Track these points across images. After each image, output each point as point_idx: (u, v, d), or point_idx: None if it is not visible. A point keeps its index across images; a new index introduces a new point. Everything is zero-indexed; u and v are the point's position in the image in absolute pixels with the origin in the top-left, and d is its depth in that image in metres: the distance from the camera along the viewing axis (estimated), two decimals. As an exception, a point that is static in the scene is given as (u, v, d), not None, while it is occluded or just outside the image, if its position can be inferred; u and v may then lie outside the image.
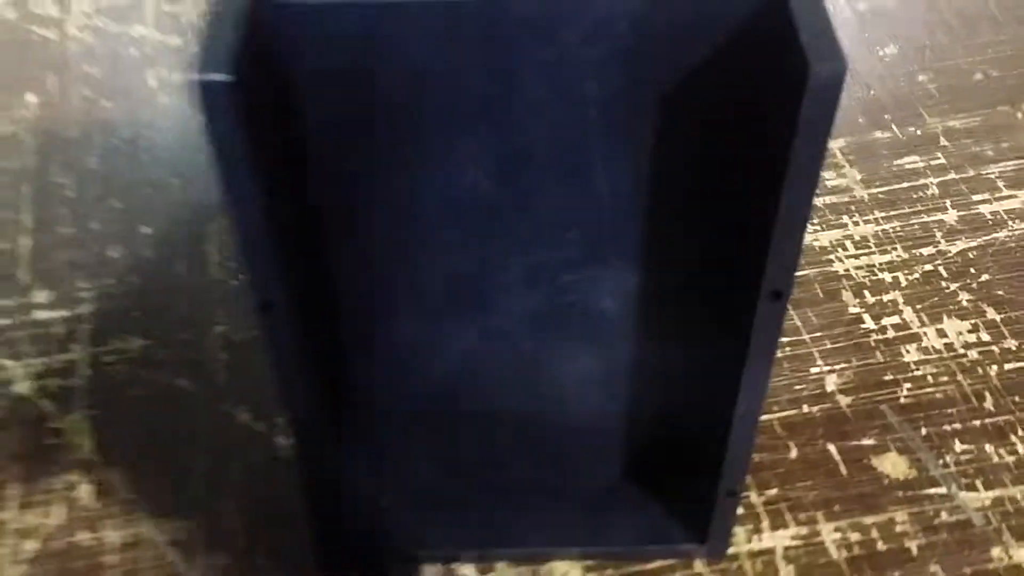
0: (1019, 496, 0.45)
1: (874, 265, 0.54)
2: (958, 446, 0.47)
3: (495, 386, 0.41)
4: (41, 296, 0.53)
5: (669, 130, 0.33)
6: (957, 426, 0.48)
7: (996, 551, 0.44)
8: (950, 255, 0.54)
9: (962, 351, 0.51)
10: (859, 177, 0.58)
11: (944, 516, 0.45)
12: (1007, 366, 0.50)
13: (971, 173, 0.58)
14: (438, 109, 0.32)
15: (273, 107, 0.31)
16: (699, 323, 0.38)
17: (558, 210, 0.35)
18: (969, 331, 0.51)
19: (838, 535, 0.44)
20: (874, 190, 0.57)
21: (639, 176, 0.34)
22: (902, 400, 0.49)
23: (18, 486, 0.46)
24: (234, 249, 0.32)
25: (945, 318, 0.52)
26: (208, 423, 0.48)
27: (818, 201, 0.32)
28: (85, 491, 0.46)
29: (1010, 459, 0.47)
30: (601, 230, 0.36)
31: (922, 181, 0.58)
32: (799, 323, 0.51)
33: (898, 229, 0.56)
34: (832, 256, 0.54)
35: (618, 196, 0.35)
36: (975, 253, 0.55)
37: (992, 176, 0.58)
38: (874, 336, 0.51)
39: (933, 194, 0.57)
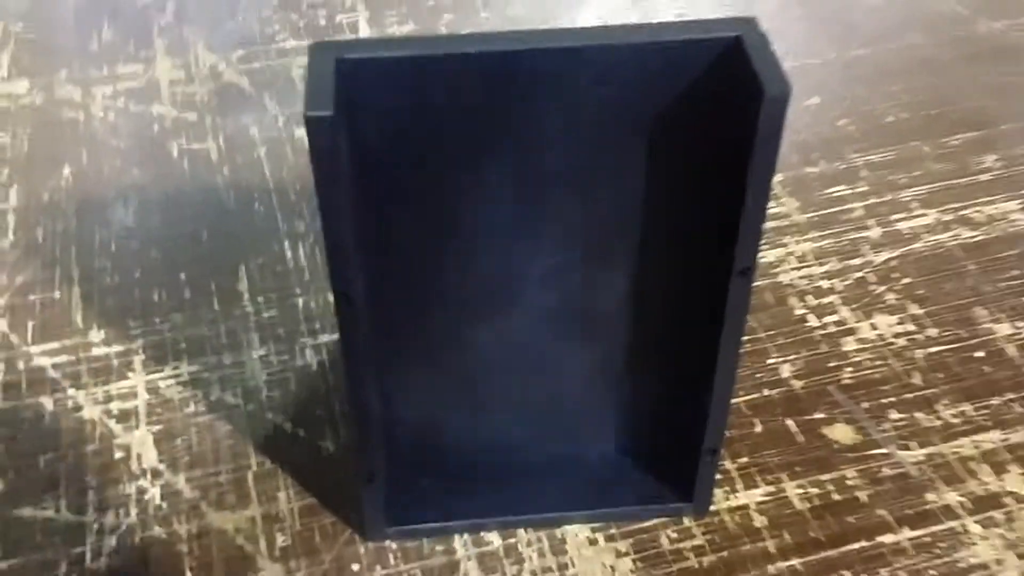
0: (946, 451, 0.54)
1: (814, 275, 0.64)
2: (894, 415, 0.56)
3: (512, 374, 0.49)
4: (96, 336, 0.60)
5: (655, 151, 0.42)
6: (892, 399, 0.57)
7: (930, 495, 0.53)
8: (876, 264, 0.64)
9: (892, 340, 0.60)
10: (796, 205, 0.68)
11: (886, 471, 0.54)
12: (930, 350, 0.59)
13: (889, 197, 0.69)
14: (473, 139, 0.41)
15: (348, 139, 0.40)
16: (682, 311, 0.47)
17: (567, 223, 0.44)
18: (897, 323, 0.61)
19: (800, 491, 0.53)
20: (809, 215, 0.67)
21: (632, 189, 0.43)
22: (845, 381, 0.58)
23: (94, 493, 0.53)
24: (324, 251, 0.40)
25: (875, 314, 0.61)
26: (257, 431, 0.56)
27: (765, 226, 0.42)
28: (154, 494, 0.53)
29: (937, 423, 0.56)
30: (601, 237, 0.45)
31: (849, 206, 0.68)
32: (755, 324, 0.60)
33: (832, 245, 0.65)
34: (779, 270, 0.64)
35: (615, 207, 0.44)
36: (897, 261, 0.64)
37: (907, 199, 0.68)
38: (818, 332, 0.60)
39: (859, 215, 0.67)
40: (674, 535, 0.51)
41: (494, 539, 0.51)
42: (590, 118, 0.41)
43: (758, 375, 0.58)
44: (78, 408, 0.57)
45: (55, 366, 0.59)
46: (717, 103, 0.40)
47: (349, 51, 0.39)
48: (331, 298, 0.61)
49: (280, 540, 0.51)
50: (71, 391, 0.57)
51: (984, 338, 0.60)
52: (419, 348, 0.48)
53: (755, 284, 0.61)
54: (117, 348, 0.60)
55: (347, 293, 0.41)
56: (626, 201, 0.43)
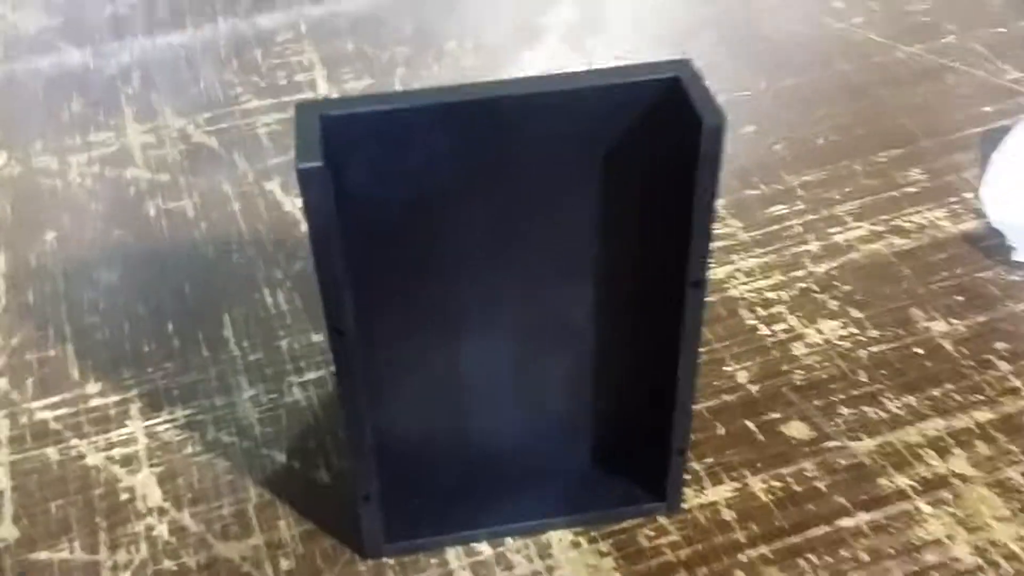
0: (894, 440, 0.59)
1: (761, 288, 0.69)
2: (844, 410, 0.61)
3: (493, 390, 0.53)
4: (93, 388, 0.64)
5: (611, 180, 0.47)
6: (841, 396, 0.62)
7: (883, 481, 0.57)
8: (818, 274, 0.69)
9: (837, 342, 0.65)
10: (740, 225, 0.73)
11: (841, 461, 0.58)
12: (872, 349, 0.64)
13: (825, 213, 0.74)
14: (449, 180, 0.45)
15: (334, 187, 0.44)
16: (645, 322, 0.51)
17: (537, 247, 0.48)
18: (840, 327, 0.66)
19: (763, 485, 0.57)
20: (753, 233, 0.73)
21: (593, 215, 0.48)
22: (797, 382, 0.63)
23: (105, 534, 0.56)
24: (319, 289, 0.44)
25: (820, 320, 0.66)
26: (254, 466, 0.59)
27: (713, 245, 0.46)
28: (162, 530, 0.56)
29: (884, 415, 0.61)
30: (568, 259, 0.49)
31: (788, 223, 0.73)
32: (711, 336, 0.65)
33: (775, 260, 0.70)
34: (728, 285, 0.69)
35: (579, 232, 0.48)
36: (836, 271, 0.70)
37: (841, 213, 0.74)
38: (769, 339, 0.65)
39: (798, 231, 0.73)
40: (651, 533, 0.55)
41: (484, 548, 0.55)
42: (552, 154, 0.45)
43: (716, 382, 0.63)
44: (82, 456, 0.60)
45: (56, 418, 0.62)
46: (663, 135, 0.45)
47: (331, 109, 0.43)
48: (314, 338, 0.65)
49: (284, 564, 0.54)
50: (74, 440, 0.61)
51: (921, 336, 0.65)
52: (406, 372, 0.51)
53: (708, 299, 0.66)
54: (114, 398, 0.63)
55: (339, 328, 0.45)
56: (588, 226, 0.48)
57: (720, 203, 0.74)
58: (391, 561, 0.54)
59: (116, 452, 0.60)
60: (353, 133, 0.43)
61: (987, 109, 0.82)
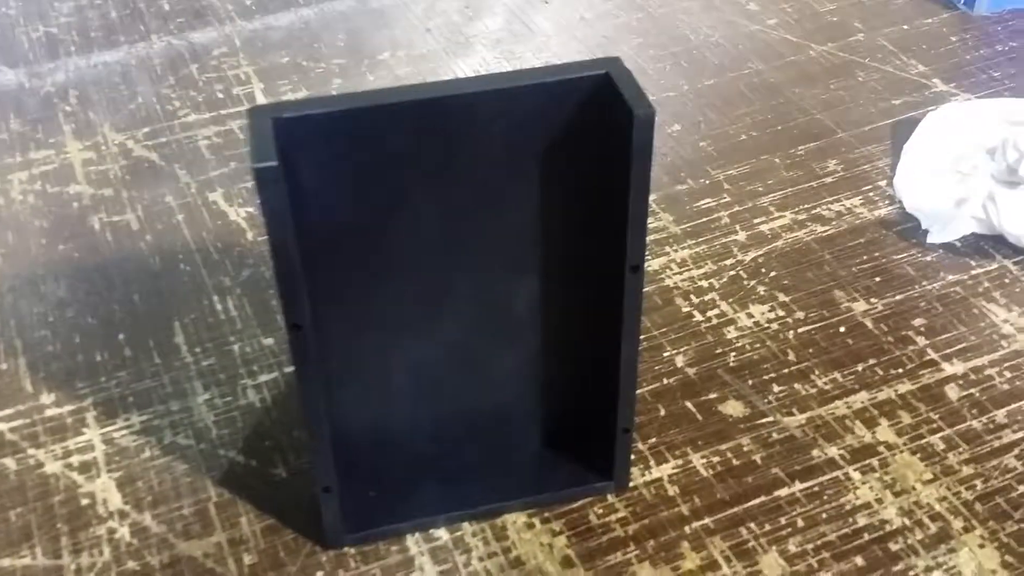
0: (824, 414, 0.63)
1: (694, 277, 0.72)
2: (775, 388, 0.64)
3: (445, 379, 0.55)
4: (48, 399, 0.64)
5: (550, 173, 0.49)
6: (773, 375, 0.65)
7: (815, 451, 0.61)
8: (746, 262, 0.73)
9: (766, 325, 0.68)
10: (671, 219, 0.77)
11: (775, 435, 0.62)
12: (799, 330, 0.68)
13: (750, 205, 0.78)
14: (398, 177, 0.48)
15: (287, 186, 0.46)
16: (588, 308, 0.54)
17: (484, 240, 0.51)
18: (769, 311, 0.69)
19: (704, 460, 0.60)
20: (684, 226, 0.76)
21: (535, 207, 0.50)
22: (731, 364, 0.66)
23: (67, 539, 0.57)
24: (276, 284, 0.46)
25: (750, 304, 0.70)
26: (212, 467, 0.60)
27: (647, 238, 0.50)
28: (124, 533, 0.57)
29: (812, 391, 0.64)
30: (514, 250, 0.52)
31: (716, 215, 0.77)
32: (649, 324, 0.68)
33: (706, 250, 0.74)
34: (663, 275, 0.72)
35: (523, 223, 0.51)
36: (763, 259, 0.73)
37: (765, 204, 0.78)
38: (703, 325, 0.68)
39: (726, 223, 0.76)
40: (600, 511, 0.58)
41: (442, 534, 0.57)
42: (494, 150, 0.48)
43: (656, 367, 0.66)
44: (40, 465, 0.61)
45: (12, 430, 0.63)
46: (597, 128, 0.48)
47: (283, 111, 0.45)
48: (265, 341, 0.67)
49: (247, 559, 0.56)
50: (31, 450, 0.61)
51: (844, 315, 0.69)
52: (360, 366, 0.54)
53: (645, 289, 0.69)
54: (69, 407, 0.64)
55: (297, 323, 0.47)
56: (532, 217, 0.51)
57: (652, 198, 0.77)
58: (352, 550, 0.56)
59: (74, 459, 0.61)
60: (305, 134, 0.46)
61: (896, 102, 0.87)
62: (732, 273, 0.72)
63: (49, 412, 0.64)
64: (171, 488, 0.59)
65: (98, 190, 0.80)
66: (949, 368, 0.65)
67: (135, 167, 0.82)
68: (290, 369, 0.66)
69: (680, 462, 0.60)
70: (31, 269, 0.73)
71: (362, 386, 0.54)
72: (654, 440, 0.62)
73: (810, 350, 0.67)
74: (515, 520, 0.58)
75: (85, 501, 0.59)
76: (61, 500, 0.59)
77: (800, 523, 0.57)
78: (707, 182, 0.80)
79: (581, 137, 0.48)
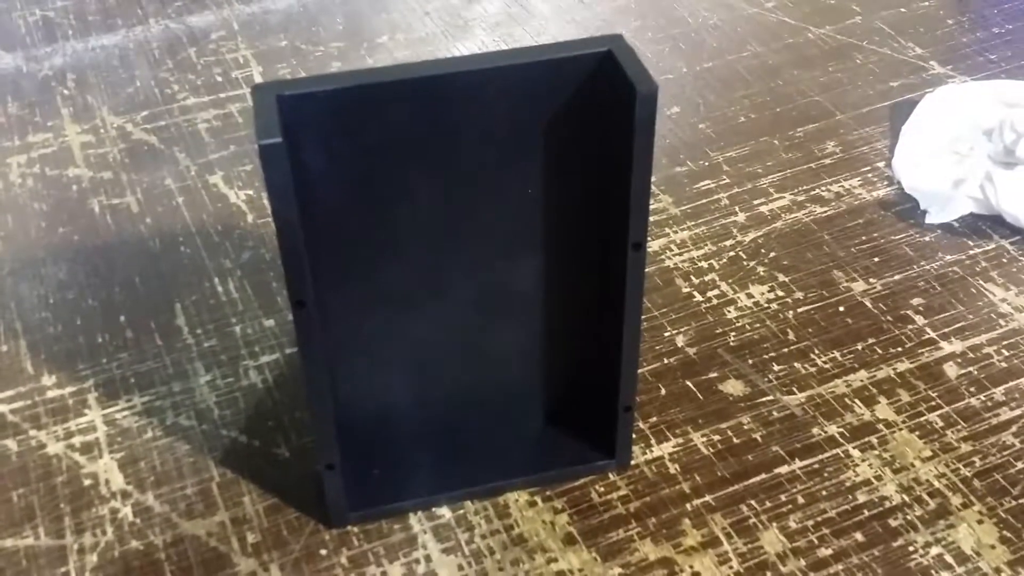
0: (823, 392, 0.63)
1: (694, 258, 0.72)
2: (775, 367, 0.65)
3: (447, 358, 0.56)
4: (49, 380, 0.65)
5: (553, 150, 0.50)
6: (773, 354, 0.65)
7: (815, 430, 0.61)
8: (745, 243, 0.73)
9: (766, 305, 0.69)
10: (671, 200, 0.77)
11: (775, 414, 0.62)
12: (799, 310, 0.68)
13: (749, 186, 0.78)
14: (401, 154, 0.48)
15: (291, 164, 0.46)
16: (590, 287, 0.54)
17: (486, 218, 0.51)
18: (768, 291, 0.70)
19: (705, 439, 0.61)
20: (683, 207, 0.76)
21: (538, 185, 0.50)
22: (731, 343, 0.66)
23: (70, 519, 0.57)
24: (281, 261, 0.47)
25: (750, 285, 0.70)
26: (215, 447, 0.61)
27: (648, 219, 0.50)
28: (127, 512, 0.58)
29: (812, 369, 0.64)
30: (516, 228, 0.52)
31: (716, 197, 0.77)
32: (650, 304, 0.68)
33: (706, 231, 0.74)
34: (663, 256, 0.72)
35: (525, 201, 0.51)
36: (762, 239, 0.73)
37: (764, 186, 0.78)
38: (703, 305, 0.69)
39: (726, 204, 0.76)
40: (602, 489, 0.58)
41: (445, 512, 0.57)
42: (497, 127, 0.48)
43: (657, 347, 0.66)
44: (42, 446, 0.61)
45: (14, 411, 0.63)
46: (600, 105, 0.48)
47: (287, 89, 0.45)
48: (266, 323, 0.67)
49: (251, 538, 0.56)
50: (32, 431, 0.62)
51: (843, 295, 0.69)
52: (363, 344, 0.54)
53: (646, 269, 0.69)
54: (70, 389, 0.64)
55: (301, 300, 0.47)
56: (533, 197, 0.51)
57: (652, 180, 0.77)
58: (355, 529, 0.57)
59: (76, 440, 0.61)
60: (309, 112, 0.46)
61: (894, 84, 0.87)
62: (732, 254, 0.72)
63: (50, 393, 0.64)
64: (173, 468, 0.60)
65: (97, 173, 0.80)
66: (947, 347, 0.65)
67: (134, 150, 0.82)
68: (292, 349, 0.66)
69: (681, 441, 0.61)
70: (31, 252, 0.73)
71: (365, 364, 0.55)
72: (655, 419, 0.62)
73: (810, 329, 0.67)
74: (517, 498, 0.58)
75: (88, 482, 0.59)
76: (63, 481, 0.59)
77: (800, 500, 0.57)
78: (706, 164, 0.80)
79: (584, 114, 0.48)
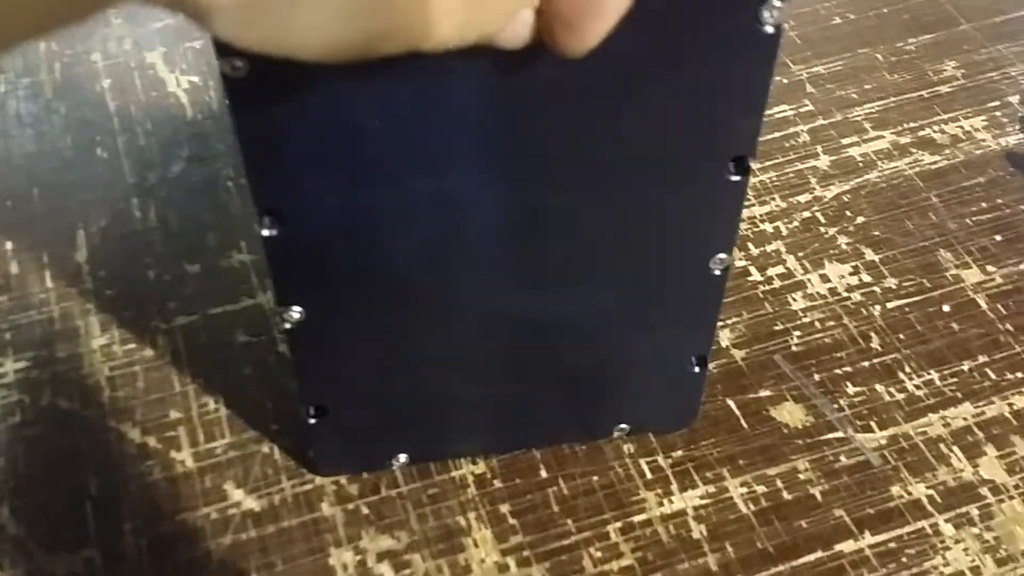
0: (912, 432, 0.47)
1: (755, 216, 0.55)
2: (850, 389, 0.48)
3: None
4: (-99, 327, 0.50)
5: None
6: (848, 369, 0.49)
7: (895, 489, 0.45)
8: (826, 200, 0.56)
9: (845, 294, 0.52)
10: (732, 130, 0.59)
11: (843, 460, 0.46)
12: (889, 305, 0.51)
13: (839, 117, 0.60)
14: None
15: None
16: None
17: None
18: (851, 274, 0.53)
19: (745, 489, 0.45)
20: (748, 142, 0.58)
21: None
22: (793, 348, 0.50)
23: (-102, 532, 0.44)
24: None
25: (826, 263, 0.53)
26: (97, 444, 0.46)
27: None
28: (-27, 530, 0.44)
29: (900, 396, 0.48)
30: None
31: (793, 129, 0.59)
32: (688, 282, 0.52)
33: (775, 179, 0.56)
34: (714, 212, 0.55)
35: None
36: (849, 196, 0.56)
37: (859, 119, 0.59)
38: (761, 287, 0.52)
39: (804, 141, 0.58)
40: (599, 554, 0.43)
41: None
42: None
43: (693, 346, 0.50)
44: None
45: None
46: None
47: None
48: (189, 269, 0.51)
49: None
50: None
51: (950, 288, 0.52)
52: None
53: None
54: (-74, 343, 0.49)
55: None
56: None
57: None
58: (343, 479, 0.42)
59: (-77, 419, 0.47)
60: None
61: (1042, -14, 0.67)
62: (806, 215, 0.55)
63: (-99, 348, 0.49)
64: (40, 472, 0.45)
65: None
66: (1087, 378, 0.49)
67: (57, 10, 0.64)
68: (218, 309, 0.51)
69: (712, 489, 0.45)
70: (-92, 143, 0.57)
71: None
72: (680, 453, 0.46)
73: (901, 335, 0.50)
74: (484, 558, 0.43)
75: (-72, 480, 0.45)
76: (-103, 477, 0.45)
77: (867, 595, 0.42)
78: (785, 81, 0.61)
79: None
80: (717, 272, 0.39)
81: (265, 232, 0.34)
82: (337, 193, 0.34)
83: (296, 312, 0.37)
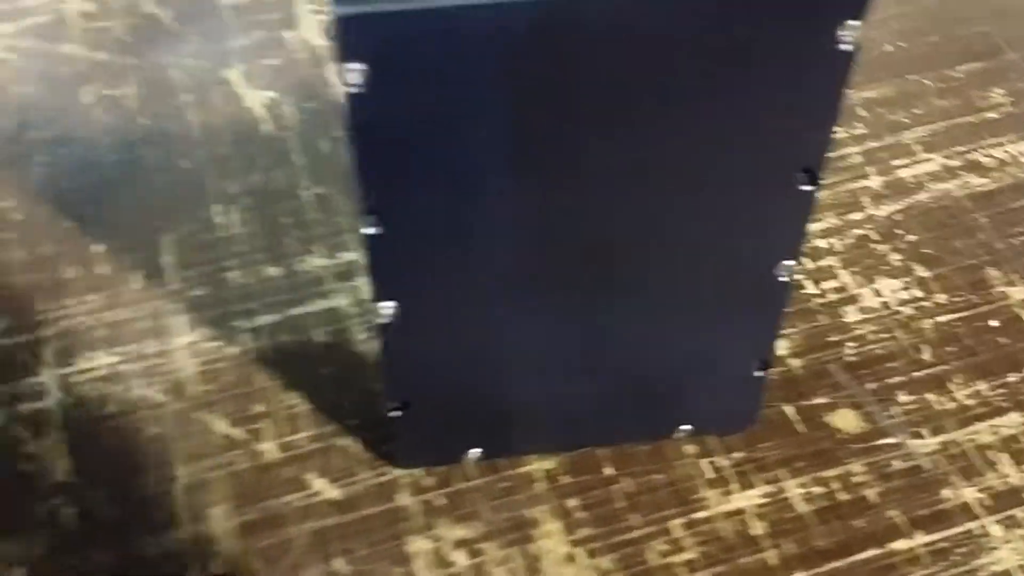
0: (961, 439, 0.49)
1: (810, 232, 0.57)
2: (902, 397, 0.50)
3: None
4: (0, 323, 0.53)
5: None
6: (900, 379, 0.51)
7: (946, 492, 0.47)
8: (879, 218, 0.58)
9: (898, 308, 0.54)
10: (787, 150, 0.61)
11: (896, 464, 0.48)
12: (939, 319, 0.53)
13: (890, 140, 0.62)
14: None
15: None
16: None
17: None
18: (903, 289, 0.55)
19: (802, 489, 0.47)
20: (802, 162, 0.60)
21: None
22: (848, 358, 0.52)
23: None
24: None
25: (879, 278, 0.55)
26: (186, 434, 0.49)
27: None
28: (67, 515, 0.46)
29: (950, 405, 0.50)
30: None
31: (846, 151, 0.61)
32: (746, 293, 0.54)
33: (829, 197, 0.59)
34: (770, 228, 0.57)
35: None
36: (900, 216, 0.58)
37: (909, 142, 0.62)
38: (816, 300, 0.54)
39: (857, 162, 0.61)
40: (663, 547, 0.45)
41: (470, 534, 0.45)
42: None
43: (751, 354, 0.52)
44: (-20, 411, 0.50)
45: (-48, 361, 0.51)
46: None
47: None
48: (270, 272, 0.54)
49: (217, 568, 0.45)
50: (-29, 391, 0.50)
51: (998, 304, 0.54)
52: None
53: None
54: (25, 337, 0.52)
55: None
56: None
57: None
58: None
59: (23, 408, 0.50)
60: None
61: (1087, 17, 0.69)
62: (860, 232, 0.57)
63: (1, 340, 0.52)
64: (132, 460, 0.48)
65: (93, 52, 0.66)
66: None
67: (142, 28, 0.68)
68: (298, 310, 0.53)
69: (771, 488, 0.47)
70: (4, 148, 0.61)
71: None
72: (740, 455, 0.48)
73: (950, 348, 0.52)
74: (552, 549, 0.45)
75: (26, 466, 0.48)
76: (-1, 461, 0.48)
77: (919, 591, 0.44)
78: (836, 104, 0.64)
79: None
80: (783, 278, 0.41)
81: (368, 231, 0.37)
82: (438, 195, 0.36)
83: (390, 307, 0.40)
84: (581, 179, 0.37)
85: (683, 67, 0.34)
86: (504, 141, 0.35)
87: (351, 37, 0.32)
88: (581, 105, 0.35)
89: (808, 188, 0.38)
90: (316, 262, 0.55)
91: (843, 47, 0.33)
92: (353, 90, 0.33)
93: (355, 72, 0.32)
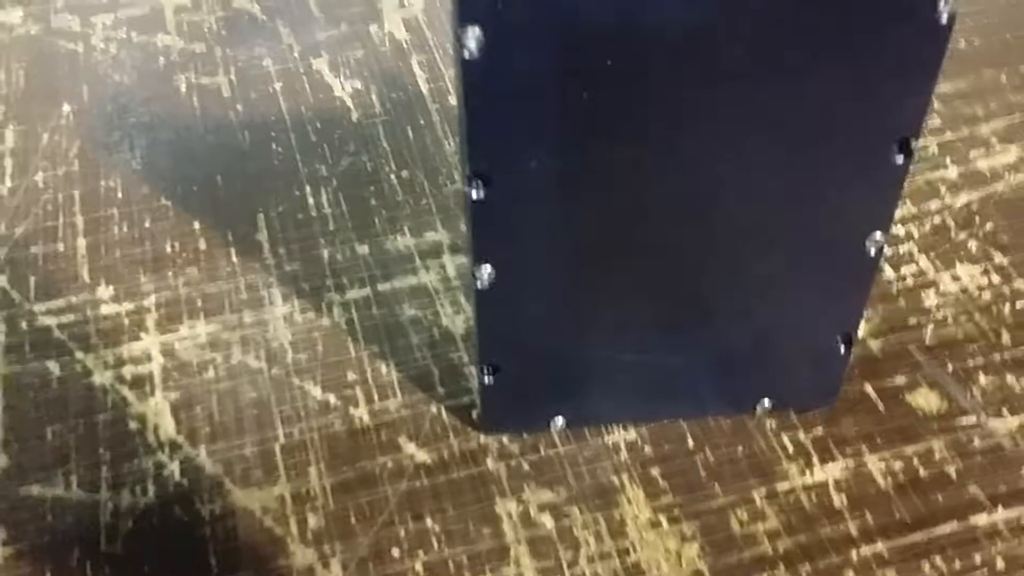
0: (1041, 420, 0.50)
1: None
2: (982, 379, 0.51)
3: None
4: (105, 292, 0.55)
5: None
6: (980, 360, 0.52)
7: (1026, 470, 0.48)
8: (956, 207, 0.59)
9: (976, 293, 0.55)
10: (863, 142, 0.62)
11: (977, 442, 0.49)
12: (1017, 304, 0.54)
13: (966, 132, 0.63)
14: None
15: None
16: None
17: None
18: (981, 275, 0.55)
19: (883, 464, 0.48)
20: (879, 153, 0.61)
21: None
22: (927, 341, 0.53)
23: (108, 469, 0.48)
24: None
25: (957, 263, 0.56)
26: (283, 399, 0.51)
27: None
28: (173, 469, 0.48)
29: (1030, 387, 0.51)
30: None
31: (923, 142, 0.62)
32: (825, 276, 0.55)
33: (907, 186, 0.59)
34: (848, 215, 0.58)
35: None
36: (977, 205, 0.59)
37: (986, 134, 0.62)
38: (896, 285, 0.55)
39: (934, 153, 0.62)
40: (745, 516, 0.47)
41: (547, 522, 0.47)
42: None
43: (831, 334, 0.53)
44: (87, 373, 0.52)
45: (61, 326, 0.54)
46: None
47: None
48: (359, 249, 0.56)
49: (312, 522, 0.47)
50: (79, 354, 0.53)
51: (1077, 291, 0.55)
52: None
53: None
54: (128, 305, 0.55)
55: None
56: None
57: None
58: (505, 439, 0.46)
59: (127, 371, 0.52)
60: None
61: None
62: (937, 220, 0.58)
63: (105, 309, 0.54)
64: (233, 420, 0.50)
65: (189, 44, 0.69)
66: None
67: (233, 20, 0.70)
68: (385, 285, 0.55)
69: (852, 463, 0.48)
70: (105, 132, 0.63)
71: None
72: (820, 430, 0.49)
73: (1029, 332, 0.53)
74: (637, 515, 0.47)
75: (134, 425, 0.50)
76: (107, 420, 0.50)
77: (1000, 565, 0.45)
78: (912, 98, 0.65)
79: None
80: (872, 252, 0.42)
81: (473, 194, 0.39)
82: (542, 161, 0.38)
83: (488, 270, 0.41)
84: (683, 148, 0.39)
85: (786, 40, 0.35)
86: (610, 109, 0.37)
87: (468, 1, 0.34)
88: (686, 75, 0.36)
89: (902, 161, 0.39)
90: (403, 241, 0.57)
91: (941, 18, 0.35)
92: (468, 55, 0.34)
93: (471, 36, 0.34)
